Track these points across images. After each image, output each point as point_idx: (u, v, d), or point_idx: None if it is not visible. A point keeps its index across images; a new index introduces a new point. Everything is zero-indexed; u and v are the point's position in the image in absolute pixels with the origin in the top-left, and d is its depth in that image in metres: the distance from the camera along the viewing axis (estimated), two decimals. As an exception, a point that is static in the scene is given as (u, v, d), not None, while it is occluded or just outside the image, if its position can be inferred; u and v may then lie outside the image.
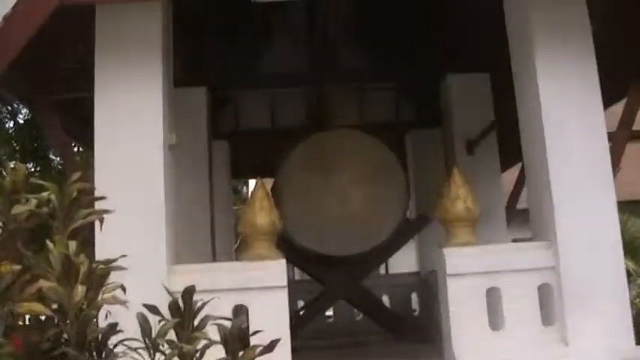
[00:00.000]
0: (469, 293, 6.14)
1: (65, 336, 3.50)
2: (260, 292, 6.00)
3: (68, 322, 3.46)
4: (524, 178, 11.37)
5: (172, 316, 3.82)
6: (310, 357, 7.65)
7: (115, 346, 3.99)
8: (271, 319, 5.89)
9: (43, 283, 3.31)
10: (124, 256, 4.10)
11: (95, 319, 3.94)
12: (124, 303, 3.52)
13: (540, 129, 6.35)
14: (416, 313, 11.84)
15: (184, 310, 3.83)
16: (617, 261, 6.25)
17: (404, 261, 13.70)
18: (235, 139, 12.56)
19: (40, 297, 3.35)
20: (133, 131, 6.18)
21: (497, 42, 9.11)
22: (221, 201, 11.47)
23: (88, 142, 7.41)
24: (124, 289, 3.96)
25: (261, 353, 3.86)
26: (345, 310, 11.23)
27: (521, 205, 11.38)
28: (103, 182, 5.99)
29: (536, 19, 6.50)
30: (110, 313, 4.24)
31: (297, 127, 11.86)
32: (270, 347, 3.91)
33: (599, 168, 6.35)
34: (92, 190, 4.24)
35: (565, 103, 6.40)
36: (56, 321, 3.49)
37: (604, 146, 6.40)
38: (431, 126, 11.99)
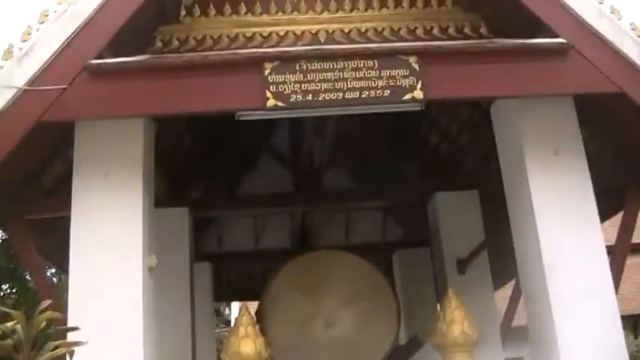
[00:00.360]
0: None
1: None
2: None
3: None
4: (518, 295, 11.17)
5: None
6: None
7: None
8: None
9: None
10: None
11: None
12: None
13: (536, 246, 6.12)
14: None
15: None
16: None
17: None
18: (218, 260, 12.24)
19: None
20: (112, 254, 5.86)
21: (485, 157, 9.11)
22: (203, 324, 11.02)
23: (64, 265, 7.10)
24: None
25: None
26: None
27: (516, 322, 11.08)
28: (77, 309, 5.66)
29: (526, 129, 6.39)
30: None
31: (281, 249, 11.62)
32: None
33: (600, 282, 6.07)
34: (64, 320, 3.88)
35: (561, 217, 6.19)
36: None
37: (604, 261, 6.14)
38: (419, 245, 11.81)
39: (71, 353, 3.47)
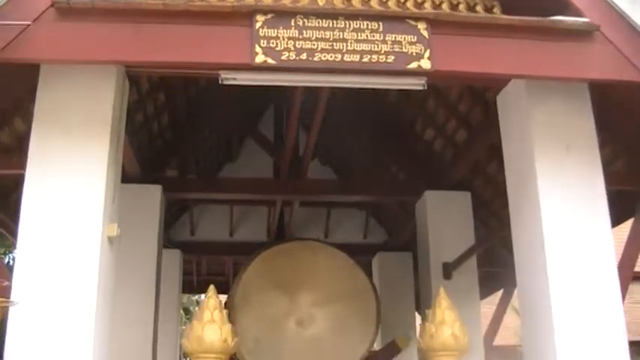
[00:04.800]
0: None
1: None
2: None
3: None
4: (502, 312, 10.64)
5: None
6: None
7: None
8: None
9: None
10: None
11: None
12: None
13: (540, 251, 5.51)
14: None
15: None
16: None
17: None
18: (189, 249, 11.64)
19: None
20: (67, 219, 5.17)
21: (481, 159, 8.56)
22: (168, 317, 10.41)
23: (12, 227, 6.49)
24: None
25: None
26: None
27: (497, 341, 10.55)
28: (24, 273, 4.99)
29: (536, 120, 5.76)
30: None
31: (257, 242, 11.02)
32: None
33: (608, 295, 5.48)
34: None
35: (569, 219, 5.58)
36: None
37: (613, 271, 5.55)
38: (401, 250, 11.32)
39: (3, 311, 2.80)
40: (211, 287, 5.49)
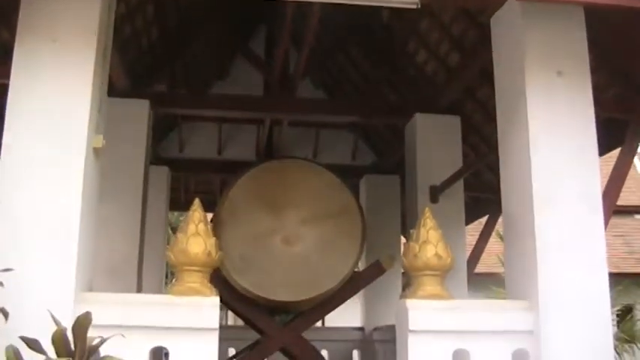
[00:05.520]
0: (433, 355, 5.19)
1: None
2: (186, 333, 4.94)
3: None
4: (486, 238, 10.73)
5: (58, 354, 2.82)
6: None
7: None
8: (196, 367, 4.89)
9: None
10: (9, 269, 3.09)
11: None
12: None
13: (527, 177, 5.50)
14: (357, 373, 10.93)
15: (75, 347, 2.83)
16: (605, 332, 5.39)
17: (342, 314, 12.79)
18: (177, 166, 11.61)
19: None
20: (52, 129, 5.12)
21: (472, 84, 8.49)
22: (154, 233, 10.45)
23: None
24: (5, 314, 2.94)
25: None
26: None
27: (480, 268, 10.67)
28: (8, 184, 4.98)
29: (529, 43, 5.65)
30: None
31: (245, 160, 11.00)
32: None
33: (591, 224, 5.52)
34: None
35: (558, 146, 5.57)
36: None
37: (597, 200, 5.58)
38: (388, 173, 11.33)
39: None
40: (196, 200, 5.49)
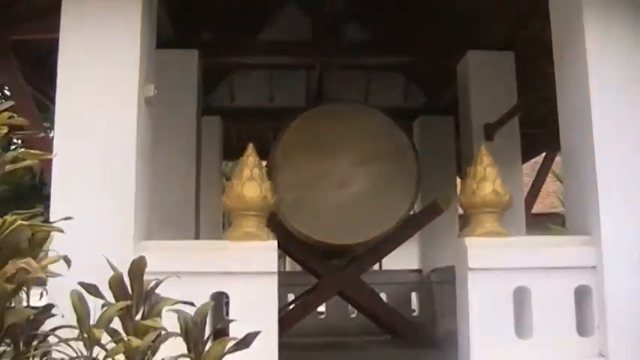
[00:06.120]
0: (494, 293, 5.14)
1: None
2: (245, 277, 5.00)
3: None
4: (543, 178, 10.54)
5: (116, 298, 2.84)
6: (298, 356, 6.68)
7: (47, 335, 3.01)
8: (257, 311, 4.92)
9: None
10: (68, 218, 3.12)
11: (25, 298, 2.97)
12: (39, 275, 2.54)
13: (587, 108, 5.34)
14: (415, 314, 10.94)
15: (132, 291, 2.85)
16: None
17: (399, 257, 12.81)
18: (229, 116, 11.63)
19: None
20: (104, 80, 5.16)
21: (524, 17, 8.23)
22: (209, 182, 10.54)
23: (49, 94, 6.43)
24: (67, 261, 2.97)
25: (236, 349, 2.91)
26: (338, 307, 10.32)
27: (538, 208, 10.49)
28: (64, 137, 5.03)
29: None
30: (47, 292, 3.26)
31: (296, 107, 10.94)
32: (246, 342, 2.98)
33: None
34: (29, 126, 3.16)
35: (617, 78, 5.39)
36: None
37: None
38: (442, 113, 11.15)
39: (42, 166, 2.78)
40: (250, 145, 5.48)
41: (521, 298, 5.20)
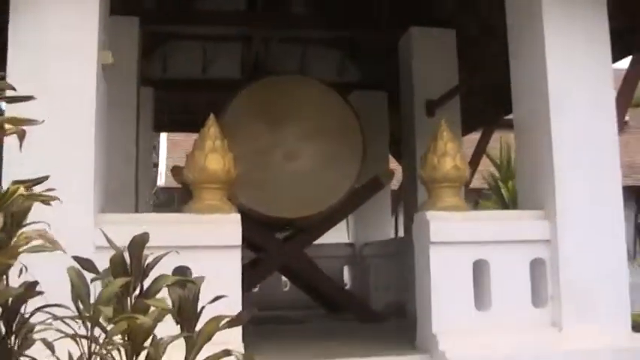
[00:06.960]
0: (455, 266, 5.24)
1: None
2: (209, 251, 4.92)
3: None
4: (481, 153, 10.73)
5: (115, 275, 2.74)
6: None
7: (32, 314, 2.86)
8: (221, 285, 4.82)
9: None
10: (45, 177, 2.98)
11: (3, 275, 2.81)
12: (58, 248, 2.42)
13: (543, 81, 5.47)
14: (347, 287, 11.02)
15: (132, 268, 2.76)
16: (619, 238, 5.48)
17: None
18: (161, 87, 11.30)
19: None
20: (61, 47, 4.94)
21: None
22: (143, 154, 10.26)
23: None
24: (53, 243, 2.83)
25: (229, 325, 2.87)
26: (271, 281, 10.25)
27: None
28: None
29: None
30: (26, 268, 3.12)
31: (231, 79, 10.81)
32: (239, 319, 2.94)
33: (606, 133, 5.56)
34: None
35: (572, 53, 5.55)
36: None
37: (611, 109, 5.58)
38: (376, 88, 11.20)
39: (21, 135, 2.65)
40: (211, 116, 5.37)
41: (480, 271, 5.30)
